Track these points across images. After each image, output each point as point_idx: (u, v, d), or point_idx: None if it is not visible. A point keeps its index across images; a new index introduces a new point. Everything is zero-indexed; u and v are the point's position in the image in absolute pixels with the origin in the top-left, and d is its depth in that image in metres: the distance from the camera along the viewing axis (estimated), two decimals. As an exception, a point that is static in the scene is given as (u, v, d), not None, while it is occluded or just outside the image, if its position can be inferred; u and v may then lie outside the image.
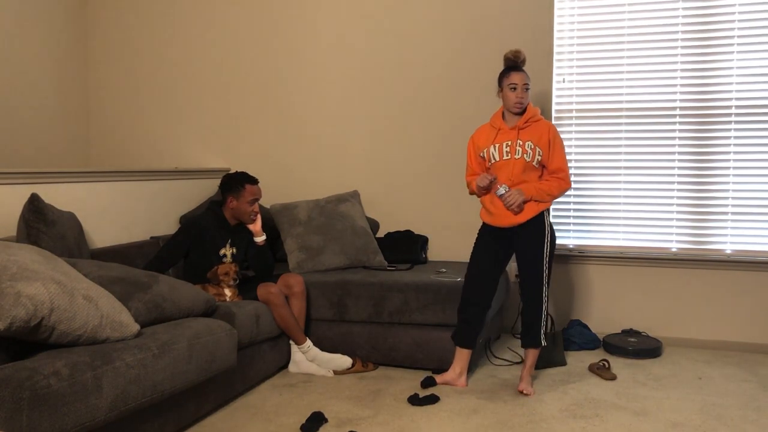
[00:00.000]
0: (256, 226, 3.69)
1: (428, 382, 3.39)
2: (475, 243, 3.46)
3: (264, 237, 3.71)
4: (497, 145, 3.31)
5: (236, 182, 3.67)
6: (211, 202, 3.78)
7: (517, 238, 3.32)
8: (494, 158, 3.32)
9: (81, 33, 5.21)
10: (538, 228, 3.28)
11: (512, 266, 4.43)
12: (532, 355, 3.38)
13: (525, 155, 3.24)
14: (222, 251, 3.65)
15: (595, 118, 4.30)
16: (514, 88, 3.27)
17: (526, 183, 3.26)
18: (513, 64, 3.34)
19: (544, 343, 3.34)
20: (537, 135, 3.26)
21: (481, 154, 3.38)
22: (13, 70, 4.63)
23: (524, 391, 3.27)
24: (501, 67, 4.36)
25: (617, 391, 3.33)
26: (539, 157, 3.26)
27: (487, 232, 3.41)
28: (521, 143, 3.25)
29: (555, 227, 4.38)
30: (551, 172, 3.28)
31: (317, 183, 4.79)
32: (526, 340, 3.38)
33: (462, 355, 3.43)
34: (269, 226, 4.23)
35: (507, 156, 3.28)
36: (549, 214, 3.34)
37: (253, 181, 3.70)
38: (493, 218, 3.33)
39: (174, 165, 5.06)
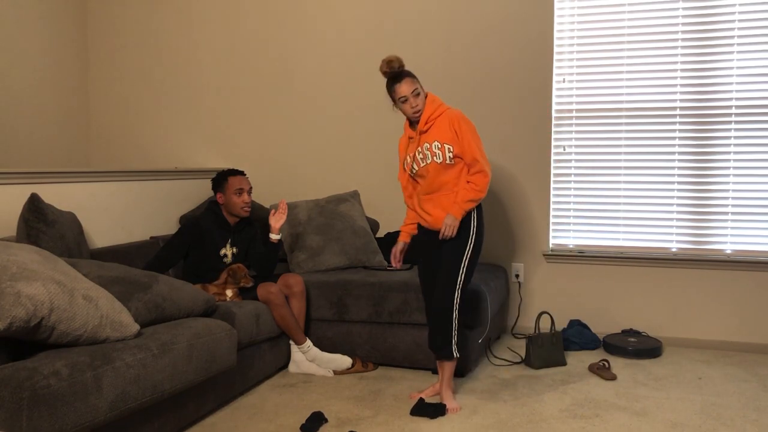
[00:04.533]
0: (277, 223, 3.65)
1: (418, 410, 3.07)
2: (415, 249, 3.31)
3: (280, 236, 3.70)
4: (411, 154, 3.16)
5: (220, 177, 3.72)
6: (211, 202, 3.79)
7: (442, 239, 3.11)
8: (414, 168, 3.16)
9: (81, 33, 5.21)
10: (463, 228, 3.08)
11: (513, 265, 4.44)
12: (447, 368, 3.13)
13: (435, 157, 3.07)
14: (222, 251, 3.65)
15: (595, 118, 4.30)
16: (405, 100, 3.07)
17: (444, 194, 3.09)
18: (392, 74, 3.09)
19: (456, 354, 3.09)
20: (440, 132, 3.07)
21: (404, 164, 3.24)
22: (14, 70, 4.63)
23: (450, 409, 3.05)
24: (501, 68, 4.39)
25: (617, 391, 3.33)
26: (451, 154, 3.05)
27: (422, 237, 3.25)
28: (428, 146, 3.08)
29: (555, 227, 4.40)
30: (468, 165, 3.07)
31: (317, 183, 4.79)
32: (439, 352, 3.12)
33: (439, 368, 3.19)
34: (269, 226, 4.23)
35: (423, 163, 3.11)
36: (477, 214, 3.13)
37: (235, 172, 3.72)
38: (429, 224, 3.18)
39: (174, 165, 5.06)
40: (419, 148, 3.13)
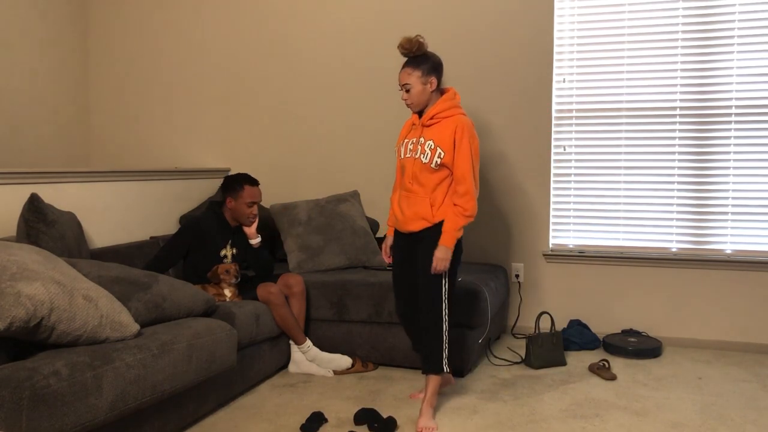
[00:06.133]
0: (251, 229, 3.66)
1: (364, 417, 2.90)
2: (390, 252, 3.23)
3: (258, 239, 3.69)
4: (406, 141, 3.05)
5: (236, 183, 3.65)
6: (211, 202, 3.78)
7: (420, 245, 2.99)
8: (402, 154, 3.06)
9: (81, 33, 5.21)
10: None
11: (513, 265, 4.44)
12: (433, 382, 2.94)
13: (422, 156, 2.92)
14: (222, 252, 3.65)
15: (595, 118, 4.30)
16: (400, 89, 3.01)
17: (420, 197, 2.95)
18: (405, 56, 3.01)
19: (446, 369, 2.93)
20: (440, 134, 2.91)
21: (397, 147, 3.16)
22: (14, 70, 4.63)
23: (423, 428, 2.83)
24: (501, 68, 4.39)
25: (617, 391, 3.33)
26: (439, 159, 2.89)
27: (398, 238, 3.16)
28: (422, 141, 2.95)
29: (555, 227, 4.40)
30: (456, 180, 2.91)
31: (317, 183, 4.79)
32: (425, 365, 2.97)
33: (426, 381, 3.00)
34: (269, 227, 4.23)
35: (409, 154, 3.00)
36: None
37: (253, 182, 3.67)
38: (398, 224, 3.08)
39: (174, 165, 5.06)
40: (414, 139, 3.01)
